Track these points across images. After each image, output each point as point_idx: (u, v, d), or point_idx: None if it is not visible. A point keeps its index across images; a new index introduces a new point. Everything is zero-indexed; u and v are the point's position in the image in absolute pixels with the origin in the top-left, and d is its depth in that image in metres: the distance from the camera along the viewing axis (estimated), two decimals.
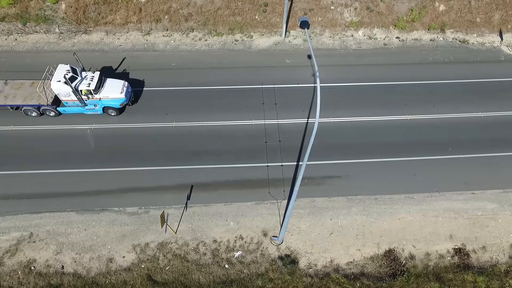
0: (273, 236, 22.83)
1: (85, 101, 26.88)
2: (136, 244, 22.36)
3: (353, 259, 22.29)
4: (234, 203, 24.13)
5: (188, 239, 22.64)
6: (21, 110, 27.45)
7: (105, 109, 27.69)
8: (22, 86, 27.76)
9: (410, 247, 22.81)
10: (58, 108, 27.31)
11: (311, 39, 34.41)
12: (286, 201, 24.19)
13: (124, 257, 21.94)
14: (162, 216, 21.04)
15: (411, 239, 23.07)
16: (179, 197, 24.20)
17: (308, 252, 22.44)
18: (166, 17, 34.19)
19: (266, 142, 27.03)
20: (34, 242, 22.31)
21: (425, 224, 23.65)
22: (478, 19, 35.34)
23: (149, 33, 34.04)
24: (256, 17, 34.59)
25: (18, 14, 33.13)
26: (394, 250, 22.59)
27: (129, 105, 28.34)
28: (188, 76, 30.85)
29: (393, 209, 24.20)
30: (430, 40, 34.97)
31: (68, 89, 25.80)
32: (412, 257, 22.44)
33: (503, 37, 35.13)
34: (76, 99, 26.49)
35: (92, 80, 26.52)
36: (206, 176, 25.16)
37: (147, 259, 21.81)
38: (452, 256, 22.54)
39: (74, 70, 26.29)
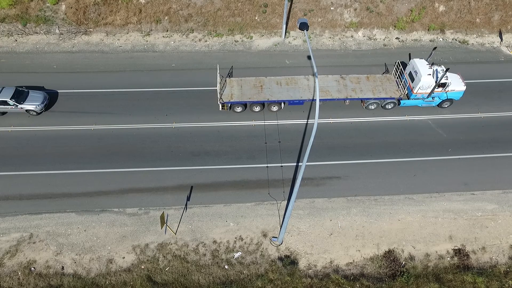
0: (273, 237, 22.84)
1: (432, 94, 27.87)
2: (136, 245, 22.38)
3: (353, 260, 22.30)
4: (233, 204, 24.15)
5: (188, 240, 22.65)
6: (362, 103, 29.01)
7: (442, 102, 28.63)
8: (360, 81, 28.62)
9: (409, 247, 22.81)
10: (401, 101, 28.44)
11: (310, 40, 34.44)
12: (285, 201, 24.20)
13: (124, 258, 21.96)
14: (162, 217, 21.05)
15: (410, 239, 23.08)
16: (179, 198, 24.23)
17: (307, 253, 22.45)
18: (166, 18, 34.22)
19: (265, 143, 27.05)
20: (34, 243, 22.33)
21: (425, 224, 23.65)
22: (477, 20, 35.36)
23: (149, 34, 34.09)
24: (256, 18, 34.62)
25: (18, 15, 33.18)
26: (393, 251, 22.59)
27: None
28: (188, 77, 30.90)
29: (393, 210, 24.21)
30: (430, 40, 34.98)
31: (432, 82, 26.81)
32: (411, 257, 22.44)
33: (503, 38, 35.14)
34: (428, 92, 27.41)
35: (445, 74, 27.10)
36: (206, 177, 25.18)
37: (147, 260, 21.83)
38: (452, 257, 22.54)
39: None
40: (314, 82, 28.16)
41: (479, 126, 28.52)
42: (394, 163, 26.27)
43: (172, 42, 33.78)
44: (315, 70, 15.48)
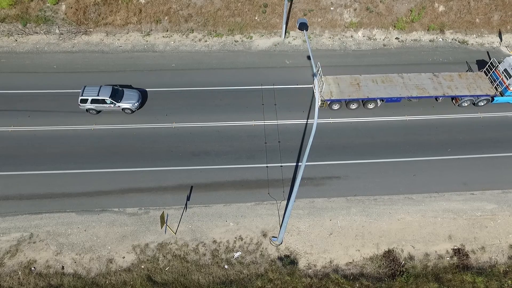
0: (273, 237, 22.88)
1: None
2: (136, 245, 22.42)
3: (353, 260, 22.34)
4: (233, 204, 24.19)
5: (188, 240, 22.69)
6: (454, 100, 29.45)
7: None
8: (453, 78, 29.14)
9: (409, 247, 22.85)
10: (495, 97, 28.96)
11: (310, 40, 34.47)
12: (285, 201, 24.24)
13: (124, 257, 22.00)
14: (162, 216, 21.10)
15: (410, 239, 23.12)
16: (179, 198, 24.27)
17: (307, 253, 22.49)
18: (166, 18, 34.25)
19: (265, 142, 27.08)
20: (34, 242, 22.38)
21: (424, 224, 23.69)
22: (477, 20, 35.38)
23: (149, 34, 34.12)
24: (256, 18, 34.65)
25: (18, 15, 33.21)
26: (393, 250, 22.64)
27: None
28: (188, 77, 30.94)
29: (393, 210, 24.25)
30: (430, 40, 35.01)
31: None
32: (411, 257, 22.48)
33: (502, 38, 35.17)
34: None
35: None
36: (206, 177, 25.22)
37: (147, 260, 21.87)
38: (451, 257, 22.58)
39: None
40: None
41: (478, 126, 28.57)
42: (393, 163, 26.31)
43: (172, 42, 33.81)
44: (315, 70, 15.53)
